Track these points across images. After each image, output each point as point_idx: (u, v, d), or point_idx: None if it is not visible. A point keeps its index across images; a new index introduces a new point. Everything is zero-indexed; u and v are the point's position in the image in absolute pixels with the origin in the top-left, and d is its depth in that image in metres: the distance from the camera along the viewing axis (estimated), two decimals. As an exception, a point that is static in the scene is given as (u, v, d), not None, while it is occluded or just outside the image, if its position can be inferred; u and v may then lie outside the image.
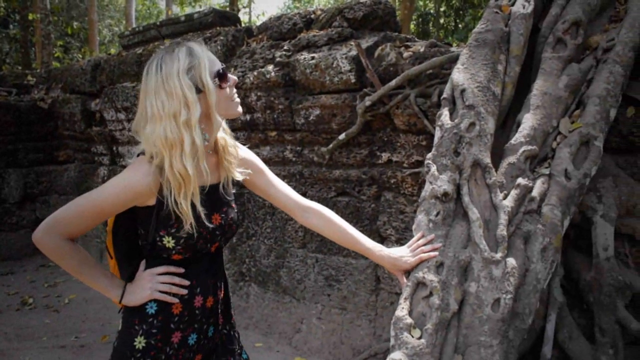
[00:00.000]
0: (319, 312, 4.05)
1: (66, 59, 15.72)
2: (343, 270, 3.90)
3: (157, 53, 1.66)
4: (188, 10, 22.31)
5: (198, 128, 1.60)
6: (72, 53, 17.55)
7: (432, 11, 17.64)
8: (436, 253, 2.04)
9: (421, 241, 2.09)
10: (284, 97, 3.96)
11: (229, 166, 1.80)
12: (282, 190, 1.99)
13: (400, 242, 3.54)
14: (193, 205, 1.65)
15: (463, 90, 2.40)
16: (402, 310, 1.97)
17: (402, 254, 2.05)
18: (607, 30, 2.80)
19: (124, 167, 6.04)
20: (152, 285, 1.69)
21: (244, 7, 19.26)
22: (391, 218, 3.58)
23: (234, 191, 1.87)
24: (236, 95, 1.75)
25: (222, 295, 1.90)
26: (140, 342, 1.70)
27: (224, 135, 1.79)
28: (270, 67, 4.03)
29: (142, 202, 1.67)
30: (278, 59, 4.00)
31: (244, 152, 1.92)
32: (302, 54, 3.88)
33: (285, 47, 4.11)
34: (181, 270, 1.74)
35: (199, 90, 1.60)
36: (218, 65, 1.67)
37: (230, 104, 1.72)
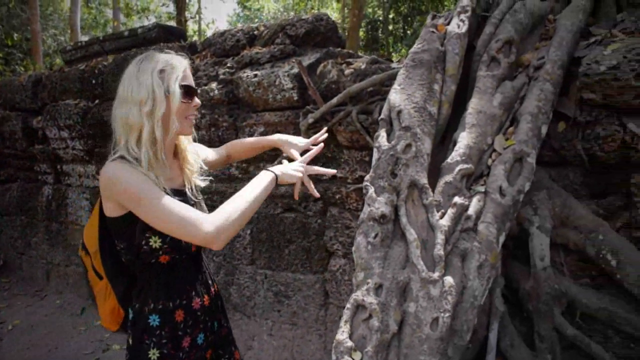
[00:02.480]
0: (270, 328, 4.05)
1: (7, 72, 15.19)
2: (292, 285, 3.90)
3: (146, 52, 1.82)
4: (136, 19, 21.92)
5: (160, 123, 1.71)
6: (13, 65, 16.97)
7: (380, 18, 17.82)
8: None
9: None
10: (228, 115, 3.94)
11: (190, 174, 1.93)
12: (213, 153, 2.25)
13: (347, 256, 3.57)
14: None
15: (399, 112, 2.45)
16: (342, 334, 1.99)
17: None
18: (538, 48, 2.89)
19: (69, 185, 5.91)
20: (302, 174, 1.92)
21: (192, 18, 19.05)
22: (337, 233, 3.60)
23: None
24: (193, 117, 1.85)
25: (214, 291, 2.02)
26: (154, 353, 1.78)
27: (185, 145, 1.94)
28: (214, 85, 4.01)
29: None
30: (221, 77, 3.99)
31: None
32: (245, 72, 3.87)
33: (228, 64, 4.09)
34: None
35: (166, 93, 1.72)
36: (189, 82, 1.81)
37: (185, 121, 1.81)
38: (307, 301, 3.83)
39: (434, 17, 3.00)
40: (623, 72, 2.41)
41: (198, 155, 2.02)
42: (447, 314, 2.01)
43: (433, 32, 2.82)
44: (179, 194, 1.86)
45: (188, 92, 1.79)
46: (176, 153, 1.93)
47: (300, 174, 1.90)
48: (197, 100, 1.85)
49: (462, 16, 2.85)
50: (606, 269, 2.50)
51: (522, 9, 2.92)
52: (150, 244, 1.72)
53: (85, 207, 5.67)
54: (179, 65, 1.77)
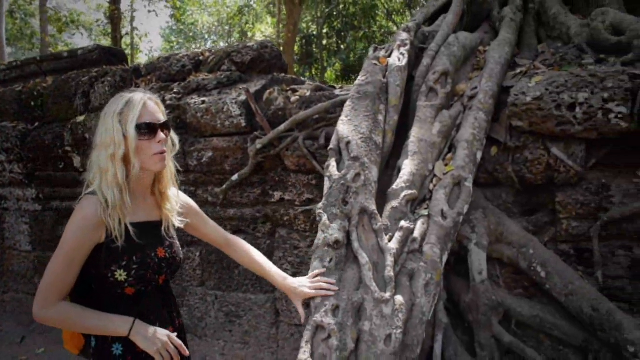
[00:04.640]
0: (222, 349, 4.11)
1: None
2: (243, 305, 3.99)
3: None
4: (67, 33, 21.29)
5: (121, 165, 1.77)
6: None
7: (315, 33, 18.08)
8: (332, 293, 2.23)
9: (319, 276, 2.31)
10: (177, 140, 4.00)
11: (169, 213, 1.95)
12: (213, 227, 2.23)
13: (295, 276, 3.64)
14: (138, 238, 1.80)
15: (348, 143, 2.61)
16: (304, 354, 2.12)
17: (301, 282, 2.26)
18: (471, 79, 3.13)
19: (6, 209, 5.76)
20: (163, 345, 1.79)
21: (127, 34, 18.75)
22: (286, 253, 3.73)
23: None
24: (157, 150, 1.82)
25: (179, 323, 2.03)
26: None
27: (168, 184, 1.95)
28: (161, 110, 4.05)
29: (100, 236, 1.77)
30: (168, 102, 4.03)
31: (182, 196, 2.08)
32: (192, 98, 3.94)
33: (175, 90, 4.15)
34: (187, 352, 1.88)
35: (124, 134, 1.77)
36: (147, 119, 1.80)
37: (150, 158, 1.81)
38: (259, 320, 3.93)
39: (375, 50, 3.20)
40: (546, 102, 2.67)
41: (179, 199, 2.03)
42: (399, 330, 2.17)
43: (375, 64, 3.01)
44: (152, 225, 1.92)
45: (146, 129, 1.80)
46: (154, 191, 1.96)
47: (160, 345, 1.79)
48: (160, 135, 1.82)
49: (402, 49, 3.05)
50: (537, 280, 2.74)
51: (456, 42, 3.16)
52: (116, 276, 1.78)
53: (24, 232, 5.54)
54: (136, 104, 1.79)
